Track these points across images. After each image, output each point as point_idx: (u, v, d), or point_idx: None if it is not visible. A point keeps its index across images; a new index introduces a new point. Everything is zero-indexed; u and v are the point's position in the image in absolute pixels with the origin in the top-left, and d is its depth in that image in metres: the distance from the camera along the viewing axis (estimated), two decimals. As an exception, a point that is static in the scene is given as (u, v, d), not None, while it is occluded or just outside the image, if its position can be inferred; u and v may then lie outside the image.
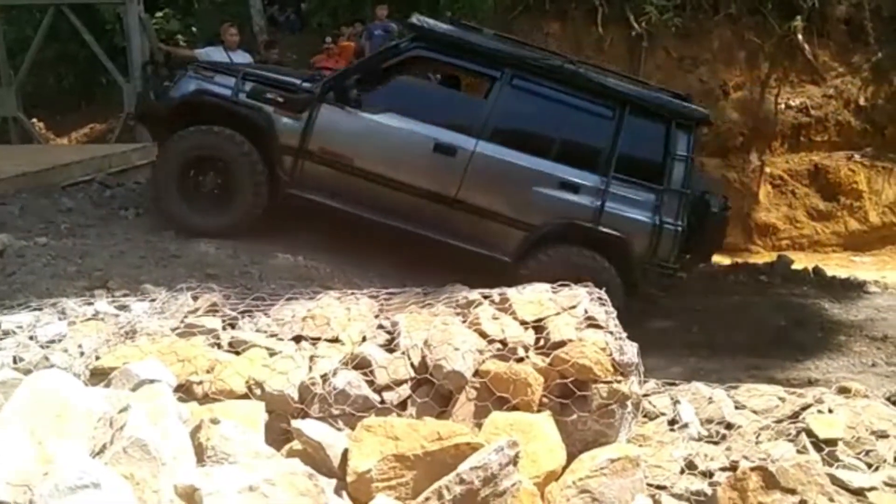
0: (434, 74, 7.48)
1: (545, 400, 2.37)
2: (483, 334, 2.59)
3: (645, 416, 2.71)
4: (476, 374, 2.45)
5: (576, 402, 2.34)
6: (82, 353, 2.73)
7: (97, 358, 2.69)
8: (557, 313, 2.65)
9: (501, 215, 5.27)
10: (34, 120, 9.73)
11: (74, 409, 1.91)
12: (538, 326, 2.60)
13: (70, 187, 6.03)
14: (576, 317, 2.62)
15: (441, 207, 5.26)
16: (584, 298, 2.74)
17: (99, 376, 2.52)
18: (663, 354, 5.09)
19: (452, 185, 5.24)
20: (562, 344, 2.45)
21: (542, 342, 2.51)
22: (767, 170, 10.26)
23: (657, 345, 5.06)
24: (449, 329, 2.61)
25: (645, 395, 2.74)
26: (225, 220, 5.26)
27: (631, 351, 2.46)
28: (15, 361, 2.68)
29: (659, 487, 2.24)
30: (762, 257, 9.28)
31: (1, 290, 3.70)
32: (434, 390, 2.44)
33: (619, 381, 2.37)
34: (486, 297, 2.93)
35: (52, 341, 2.84)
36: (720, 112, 10.28)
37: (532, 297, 2.76)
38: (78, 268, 4.25)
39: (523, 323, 2.64)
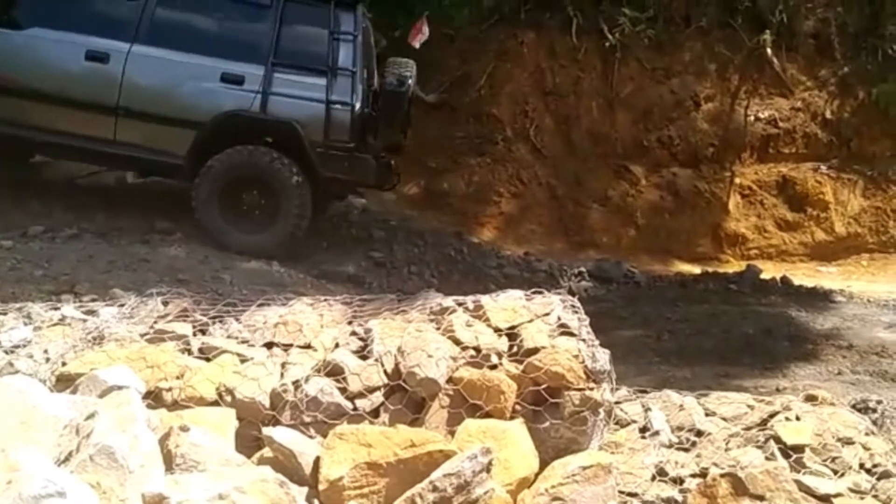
0: None
1: (518, 407, 2.37)
2: (457, 341, 2.59)
3: (617, 423, 2.72)
4: (450, 381, 2.44)
5: (548, 410, 2.35)
6: (48, 359, 2.68)
7: (63, 364, 2.63)
8: (531, 320, 2.65)
9: (167, 117, 5.19)
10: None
11: (40, 416, 1.87)
12: (511, 333, 2.61)
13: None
14: (549, 324, 2.63)
15: (107, 118, 5.15)
16: (558, 306, 2.75)
17: (65, 382, 2.46)
18: (634, 362, 5.14)
19: (112, 93, 5.16)
20: (535, 351, 2.45)
21: (515, 349, 2.52)
22: (737, 180, 10.42)
23: (628, 352, 5.11)
24: (423, 336, 2.60)
25: (617, 403, 2.76)
26: None
27: (603, 358, 2.48)
28: (-22, 367, 2.62)
29: (630, 494, 2.25)
30: (732, 266, 9.42)
31: (-36, 295, 3.62)
32: (407, 397, 2.43)
33: (591, 389, 2.39)
34: (459, 304, 2.93)
35: (17, 346, 2.78)
36: (691, 123, 10.43)
37: (506, 305, 2.76)
38: (44, 272, 4.18)
39: (497, 330, 2.64)
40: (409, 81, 5.63)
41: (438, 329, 2.70)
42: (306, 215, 5.24)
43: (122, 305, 3.27)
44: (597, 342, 2.56)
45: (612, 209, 10.06)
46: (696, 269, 8.97)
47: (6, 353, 2.76)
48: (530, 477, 2.16)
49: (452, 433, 2.23)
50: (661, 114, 10.45)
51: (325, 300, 3.27)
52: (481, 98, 10.09)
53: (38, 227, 4.96)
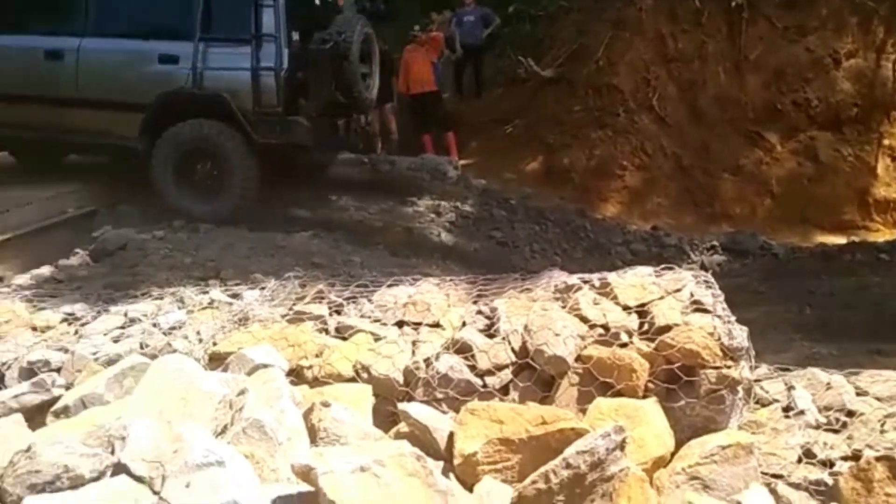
0: None
1: (651, 386, 2.32)
2: (584, 319, 2.56)
3: (757, 402, 2.60)
4: (578, 359, 2.42)
5: (683, 388, 2.28)
6: (200, 340, 2.90)
7: (214, 344, 2.84)
8: (661, 297, 2.58)
9: (118, 103, 5.50)
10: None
11: (197, 392, 2.03)
12: (641, 311, 2.55)
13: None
14: (681, 300, 2.55)
15: (70, 110, 5.59)
16: (690, 282, 2.66)
17: (216, 361, 2.66)
18: (774, 339, 4.87)
19: (70, 86, 5.55)
20: (667, 329, 2.38)
21: (646, 327, 2.46)
22: (886, 142, 9.58)
23: (767, 328, 4.85)
24: (549, 314, 2.59)
25: (757, 381, 2.64)
26: None
27: (741, 335, 2.37)
28: (141, 347, 2.88)
29: (775, 476, 2.15)
30: (882, 235, 8.70)
31: (126, 281, 3.97)
32: (536, 375, 2.44)
33: (728, 367, 2.29)
34: (585, 282, 2.89)
35: (174, 328, 3.03)
36: (831, 83, 9.68)
37: (634, 281, 2.70)
38: (193, 259, 4.50)
39: (626, 307, 2.59)
40: (343, 37, 5.53)
41: (564, 307, 2.68)
42: (252, 181, 5.46)
43: (264, 289, 3.48)
44: (733, 318, 2.45)
45: (745, 178, 9.51)
46: (841, 240, 8.34)
47: (164, 334, 3.01)
48: (666, 456, 2.12)
49: (583, 411, 2.21)
50: (795, 75, 9.74)
51: (451, 280, 3.33)
52: (600, 69, 9.80)
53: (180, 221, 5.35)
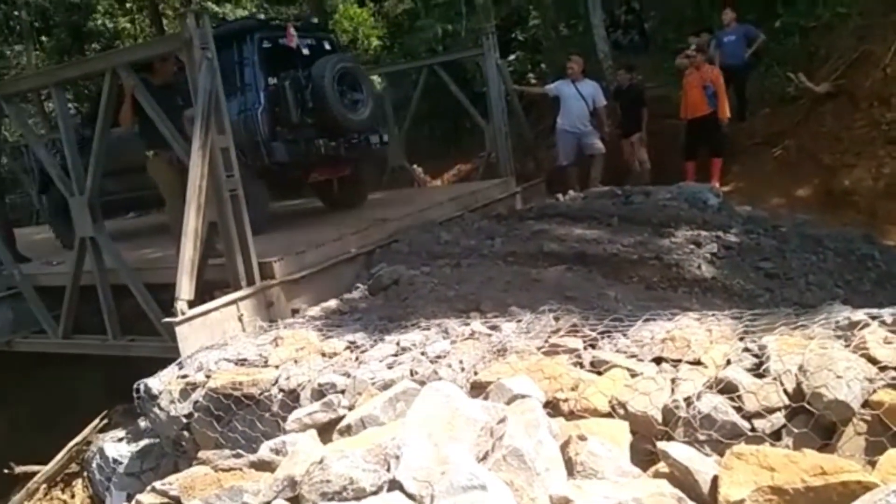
0: None
1: (963, 439, 1.99)
2: (872, 360, 2.30)
3: None
4: (865, 404, 2.17)
5: None
6: (463, 368, 3.09)
7: (475, 373, 3.01)
8: (974, 336, 2.22)
9: None
10: (415, 166, 11.25)
11: (461, 418, 2.17)
12: (947, 352, 2.21)
13: (445, 222, 6.83)
14: None
15: None
16: None
17: (477, 389, 2.82)
18: None
19: None
20: (983, 373, 2.04)
21: (952, 371, 2.13)
22: None
23: None
24: (828, 353, 2.36)
25: None
26: None
27: None
28: (411, 374, 3.14)
29: None
30: None
31: (398, 313, 4.34)
32: (814, 421, 2.22)
33: None
34: (874, 318, 2.58)
35: (439, 357, 3.26)
36: None
37: (936, 318, 2.35)
38: (455, 292, 4.78)
39: (926, 348, 2.27)
40: (307, 74, 6.70)
41: (848, 346, 2.42)
42: (259, 196, 6.46)
43: (520, 321, 3.60)
44: None
45: None
46: None
47: (431, 362, 3.25)
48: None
49: (872, 464, 1.97)
50: None
51: (713, 315, 3.16)
52: (887, 78, 8.66)
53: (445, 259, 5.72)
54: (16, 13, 17.84)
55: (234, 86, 6.51)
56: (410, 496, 1.88)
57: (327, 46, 7.43)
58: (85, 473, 5.06)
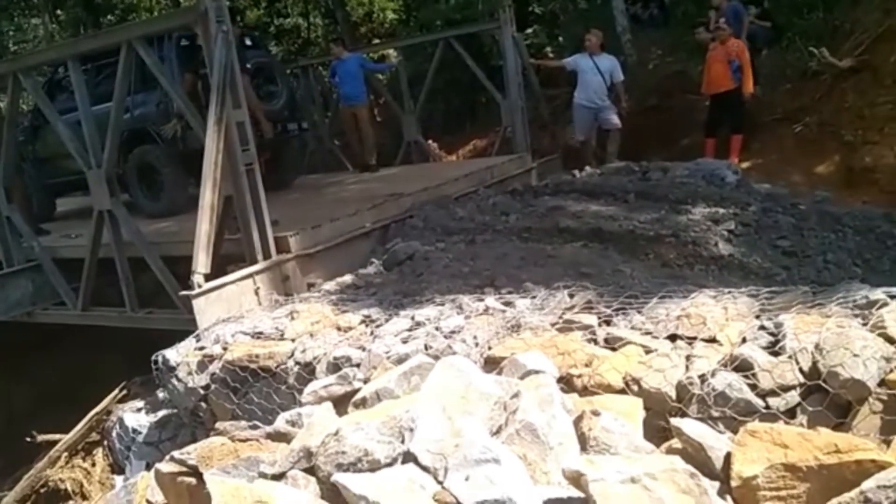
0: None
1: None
2: (890, 339, 2.28)
3: None
4: (882, 383, 2.16)
5: None
6: (477, 343, 3.10)
7: (489, 348, 3.02)
8: None
9: None
10: (430, 141, 11.19)
11: (475, 392, 2.18)
12: (966, 332, 2.19)
13: (461, 198, 6.82)
14: None
15: None
16: None
17: (491, 364, 2.83)
18: None
19: None
20: None
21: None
22: None
23: None
24: (845, 332, 2.35)
25: None
26: None
27: None
28: (426, 348, 3.16)
29: None
30: None
31: (413, 288, 4.35)
32: (829, 399, 2.22)
33: None
34: (892, 297, 2.56)
35: (453, 332, 3.27)
36: None
37: (956, 297, 2.33)
38: (470, 268, 4.78)
39: (945, 327, 2.25)
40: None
41: (865, 325, 2.41)
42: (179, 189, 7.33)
43: (534, 297, 3.61)
44: None
45: None
46: None
47: (445, 337, 3.26)
48: None
49: (887, 443, 1.96)
50: None
51: (730, 292, 3.15)
52: (913, 53, 8.48)
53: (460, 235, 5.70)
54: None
55: (154, 80, 6.74)
56: (424, 468, 1.90)
57: (248, 42, 7.97)
58: (105, 442, 5.17)
